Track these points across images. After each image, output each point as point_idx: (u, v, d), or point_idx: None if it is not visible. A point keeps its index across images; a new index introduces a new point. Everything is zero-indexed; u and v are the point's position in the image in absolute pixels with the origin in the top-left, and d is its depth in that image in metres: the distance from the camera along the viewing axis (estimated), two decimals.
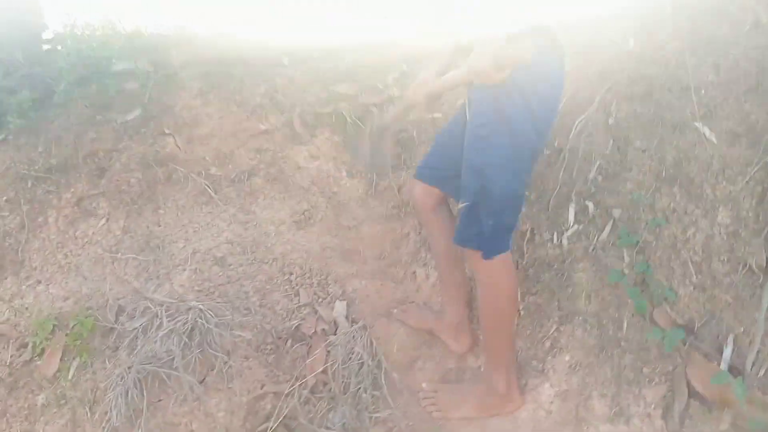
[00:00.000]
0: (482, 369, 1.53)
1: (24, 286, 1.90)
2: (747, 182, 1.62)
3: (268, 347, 1.64)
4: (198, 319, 1.58)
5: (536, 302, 1.68)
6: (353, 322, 1.68)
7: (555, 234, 1.74)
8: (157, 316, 1.63)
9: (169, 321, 1.60)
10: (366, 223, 2.14)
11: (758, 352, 1.38)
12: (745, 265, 1.51)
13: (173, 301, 1.67)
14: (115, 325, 1.69)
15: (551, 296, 1.67)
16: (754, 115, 1.69)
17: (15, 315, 1.79)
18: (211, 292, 1.74)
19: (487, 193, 1.31)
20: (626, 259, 1.66)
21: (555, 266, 1.71)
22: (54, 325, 1.68)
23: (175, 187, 2.11)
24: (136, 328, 1.64)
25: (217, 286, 1.78)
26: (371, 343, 1.62)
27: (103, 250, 1.94)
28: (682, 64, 1.87)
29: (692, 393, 1.41)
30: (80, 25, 2.48)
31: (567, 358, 1.57)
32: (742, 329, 1.44)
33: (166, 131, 2.24)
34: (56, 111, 2.28)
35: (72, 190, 2.10)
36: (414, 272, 1.96)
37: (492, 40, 1.24)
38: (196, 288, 1.76)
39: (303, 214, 2.11)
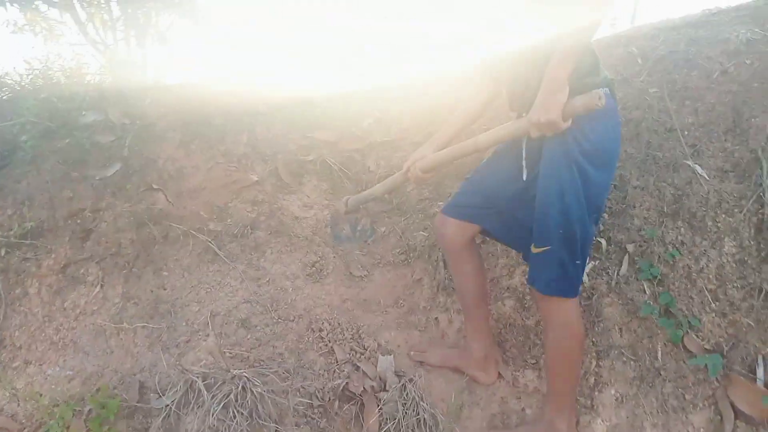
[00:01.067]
0: (546, 412, 1.55)
1: (10, 370, 1.68)
2: (744, 214, 1.80)
3: (316, 411, 1.56)
4: (244, 387, 1.48)
5: None
6: (399, 375, 1.64)
7: None
8: (192, 388, 1.50)
9: (209, 393, 1.47)
10: (376, 271, 2.12)
11: None
12: (761, 290, 1.66)
13: (209, 370, 1.54)
14: (140, 404, 1.53)
15: (585, 333, 1.74)
16: (737, 153, 1.90)
17: (9, 403, 1.57)
18: (246, 358, 1.63)
19: (570, 236, 1.36)
20: (647, 291, 1.77)
21: (582, 303, 1.79)
22: (73, 411, 1.48)
23: (174, 245, 1.97)
24: (168, 405, 1.49)
25: (249, 350, 1.67)
26: (421, 396, 1.60)
27: (103, 320, 1.77)
28: (664, 108, 2.06)
29: (738, 414, 1.52)
30: (43, 74, 2.28)
31: (612, 391, 1.64)
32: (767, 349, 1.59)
33: (154, 186, 2.10)
34: (24, 168, 2.07)
35: (53, 256, 1.90)
36: (436, 318, 1.97)
37: (555, 91, 1.29)
38: (228, 354, 1.64)
39: (314, 266, 2.05)
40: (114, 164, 2.13)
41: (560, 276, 1.40)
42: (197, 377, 1.51)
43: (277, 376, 1.59)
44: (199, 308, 1.80)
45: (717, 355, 1.59)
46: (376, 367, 1.67)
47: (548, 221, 1.38)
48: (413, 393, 1.59)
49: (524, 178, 1.49)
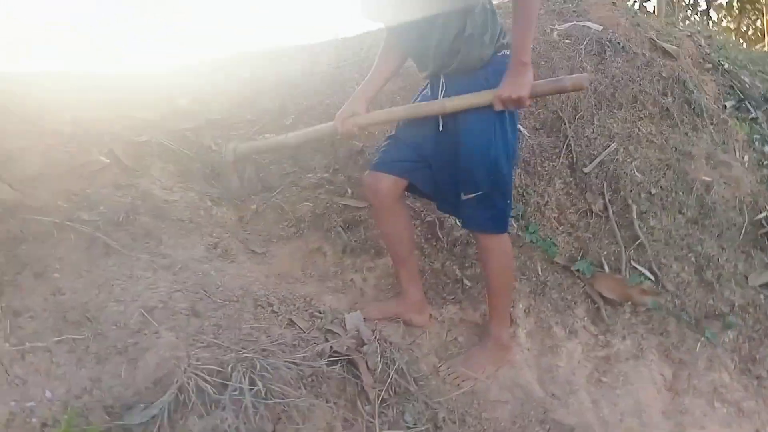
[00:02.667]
0: (490, 329, 1.80)
1: None
2: (560, 159, 2.38)
3: (309, 380, 1.48)
4: (248, 372, 1.32)
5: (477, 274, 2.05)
6: (371, 329, 1.67)
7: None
8: (183, 389, 1.26)
9: (212, 387, 1.27)
10: (271, 246, 2.05)
11: (626, 260, 2.13)
12: (591, 212, 2.26)
13: (197, 365, 1.31)
14: (118, 423, 1.21)
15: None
16: (542, 115, 2.50)
17: None
18: (219, 345, 1.43)
19: (500, 180, 1.62)
20: (515, 225, 2.20)
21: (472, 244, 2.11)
22: None
23: (48, 242, 1.54)
24: (155, 416, 1.22)
25: (216, 336, 1.46)
26: (391, 343, 1.67)
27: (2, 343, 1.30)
28: None
29: (606, 300, 2.06)
30: None
31: (520, 305, 2.01)
32: (605, 252, 2.18)
33: None
34: None
35: None
36: (351, 279, 2.03)
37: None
38: (198, 345, 1.41)
39: (217, 247, 1.87)
40: None
41: (495, 215, 1.66)
42: (190, 376, 1.27)
43: (260, 355, 1.44)
44: (123, 307, 1.46)
45: (586, 261, 2.10)
46: (345, 326, 1.66)
47: (479, 169, 1.60)
48: (384, 343, 1.65)
49: (439, 128, 1.68)
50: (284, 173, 2.34)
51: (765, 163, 2.59)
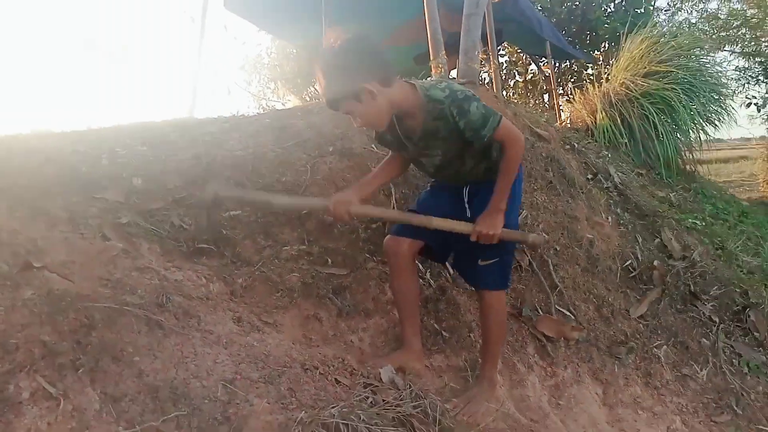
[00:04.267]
0: (485, 372, 2.16)
1: None
2: None
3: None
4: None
5: None
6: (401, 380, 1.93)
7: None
8: None
9: None
10: (275, 317, 2.20)
11: (553, 304, 2.67)
12: (520, 266, 2.78)
13: (305, 422, 1.46)
14: None
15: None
16: None
17: None
18: (301, 406, 1.58)
19: (510, 245, 2.06)
20: None
21: (447, 294, 2.50)
22: None
23: (113, 328, 1.57)
24: None
25: (297, 399, 1.61)
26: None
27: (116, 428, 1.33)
28: None
29: (546, 338, 2.56)
30: None
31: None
32: (536, 299, 2.70)
33: (36, 265, 1.58)
34: None
35: None
36: (351, 340, 2.26)
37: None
38: (290, 408, 1.55)
39: (241, 321, 1.99)
40: None
41: (503, 277, 2.10)
42: None
43: (340, 415, 1.62)
44: (205, 382, 1.55)
45: (527, 307, 2.59)
46: (381, 378, 1.90)
47: (495, 244, 2.04)
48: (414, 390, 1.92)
49: (468, 215, 2.09)
50: (260, 247, 2.49)
51: (621, 222, 3.40)
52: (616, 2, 10.94)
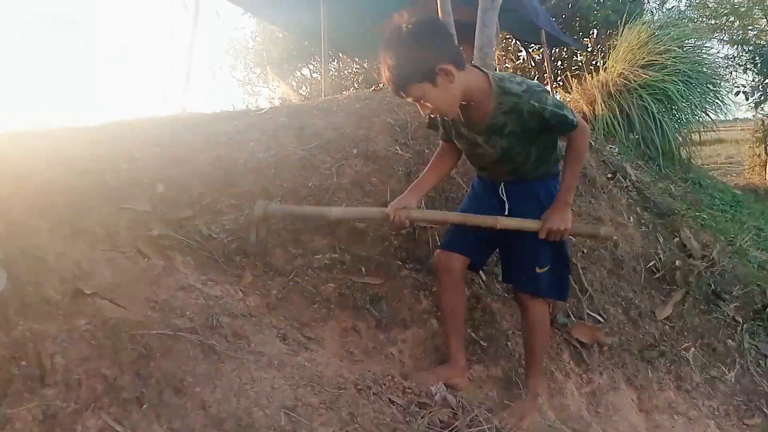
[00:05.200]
0: (529, 384, 2.13)
1: None
2: None
3: None
4: None
5: None
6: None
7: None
8: None
9: None
10: (315, 330, 2.15)
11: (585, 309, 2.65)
12: None
13: None
14: None
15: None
16: None
17: None
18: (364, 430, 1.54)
19: (563, 254, 2.03)
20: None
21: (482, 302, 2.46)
22: None
23: (168, 356, 1.50)
24: None
25: (359, 422, 1.56)
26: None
27: None
28: None
29: (581, 343, 2.54)
30: None
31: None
32: (567, 305, 2.68)
33: (87, 292, 1.50)
34: None
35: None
36: (391, 353, 2.21)
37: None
38: None
39: (286, 339, 1.93)
40: None
41: (562, 286, 2.06)
42: None
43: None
44: (266, 411, 1.49)
45: (561, 314, 2.57)
46: (434, 397, 1.86)
47: (546, 247, 2.00)
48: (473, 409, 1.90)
49: (506, 212, 2.04)
50: (291, 256, 2.43)
51: (642, 222, 3.40)
52: None
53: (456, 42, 1.79)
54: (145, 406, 1.35)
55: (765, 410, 2.61)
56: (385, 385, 1.85)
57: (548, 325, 2.14)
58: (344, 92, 4.82)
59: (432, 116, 1.97)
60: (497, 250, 2.23)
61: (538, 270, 2.02)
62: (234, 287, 2.12)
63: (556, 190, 2.02)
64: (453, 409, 1.83)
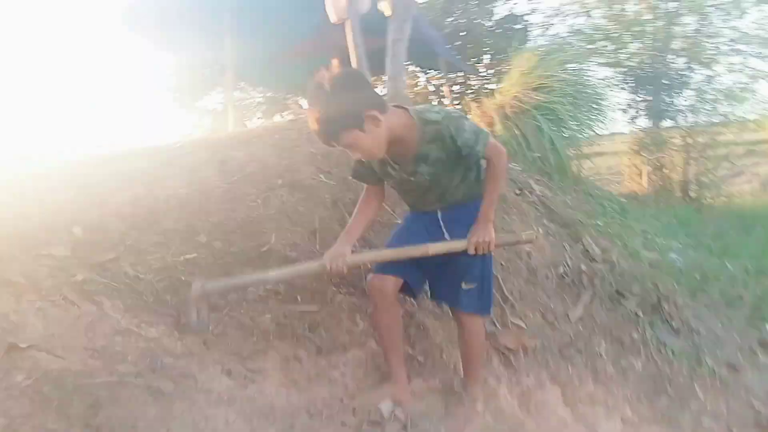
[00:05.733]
0: (469, 393, 2.25)
1: None
2: None
3: None
4: None
5: None
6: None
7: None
8: None
9: None
10: (257, 363, 2.15)
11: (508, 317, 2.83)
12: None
13: None
14: None
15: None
16: None
17: None
18: None
19: (488, 272, 2.17)
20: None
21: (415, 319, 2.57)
22: None
23: (117, 404, 1.46)
24: None
25: None
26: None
27: None
28: None
29: (507, 349, 2.71)
30: None
31: (459, 366, 2.51)
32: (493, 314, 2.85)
33: None
34: None
35: None
36: (335, 377, 2.25)
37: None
38: None
39: (231, 374, 1.92)
40: None
41: (485, 301, 2.20)
42: None
43: None
44: None
45: (487, 323, 2.72)
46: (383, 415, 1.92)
47: (476, 265, 2.14)
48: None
49: (447, 238, 2.16)
50: (224, 291, 2.41)
51: (549, 232, 3.67)
52: (496, 19, 11.73)
53: (375, 89, 1.92)
54: None
55: (669, 392, 2.89)
56: (335, 408, 1.90)
57: (483, 335, 2.28)
58: (258, 123, 4.83)
59: (361, 161, 2.07)
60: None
61: (464, 286, 2.14)
62: (169, 327, 2.08)
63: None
64: (402, 422, 1.90)
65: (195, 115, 12.92)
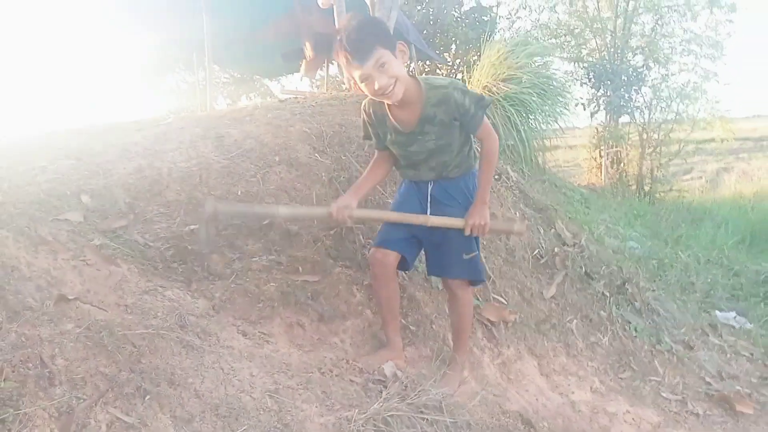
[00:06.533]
0: (457, 359, 2.43)
1: None
2: None
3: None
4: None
5: None
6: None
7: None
8: None
9: None
10: (263, 327, 2.27)
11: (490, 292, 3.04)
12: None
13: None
14: None
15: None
16: None
17: None
18: (351, 406, 1.73)
19: (479, 245, 2.35)
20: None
21: (407, 292, 2.74)
22: None
23: (155, 353, 1.58)
24: None
25: (343, 403, 1.74)
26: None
27: None
28: None
29: (490, 322, 2.92)
30: None
31: (449, 336, 2.70)
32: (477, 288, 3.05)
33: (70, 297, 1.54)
34: None
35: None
36: (335, 342, 2.40)
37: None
38: (334, 409, 1.68)
39: (246, 334, 2.05)
40: None
41: (481, 269, 2.38)
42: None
43: (384, 407, 1.78)
44: (252, 395, 1.63)
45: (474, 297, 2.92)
46: (386, 374, 2.09)
47: (473, 239, 2.31)
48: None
49: (428, 213, 2.32)
50: (229, 260, 2.52)
51: (526, 216, 3.89)
52: (465, 10, 11.92)
53: None
54: (147, 397, 1.43)
55: (632, 366, 3.16)
56: (342, 368, 2.04)
57: (471, 305, 2.46)
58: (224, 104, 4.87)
59: (370, 120, 2.21)
60: (423, 249, 2.47)
61: (465, 256, 2.32)
62: (183, 291, 2.18)
63: (474, 185, 2.33)
64: (404, 383, 2.06)
65: (160, 94, 12.74)
